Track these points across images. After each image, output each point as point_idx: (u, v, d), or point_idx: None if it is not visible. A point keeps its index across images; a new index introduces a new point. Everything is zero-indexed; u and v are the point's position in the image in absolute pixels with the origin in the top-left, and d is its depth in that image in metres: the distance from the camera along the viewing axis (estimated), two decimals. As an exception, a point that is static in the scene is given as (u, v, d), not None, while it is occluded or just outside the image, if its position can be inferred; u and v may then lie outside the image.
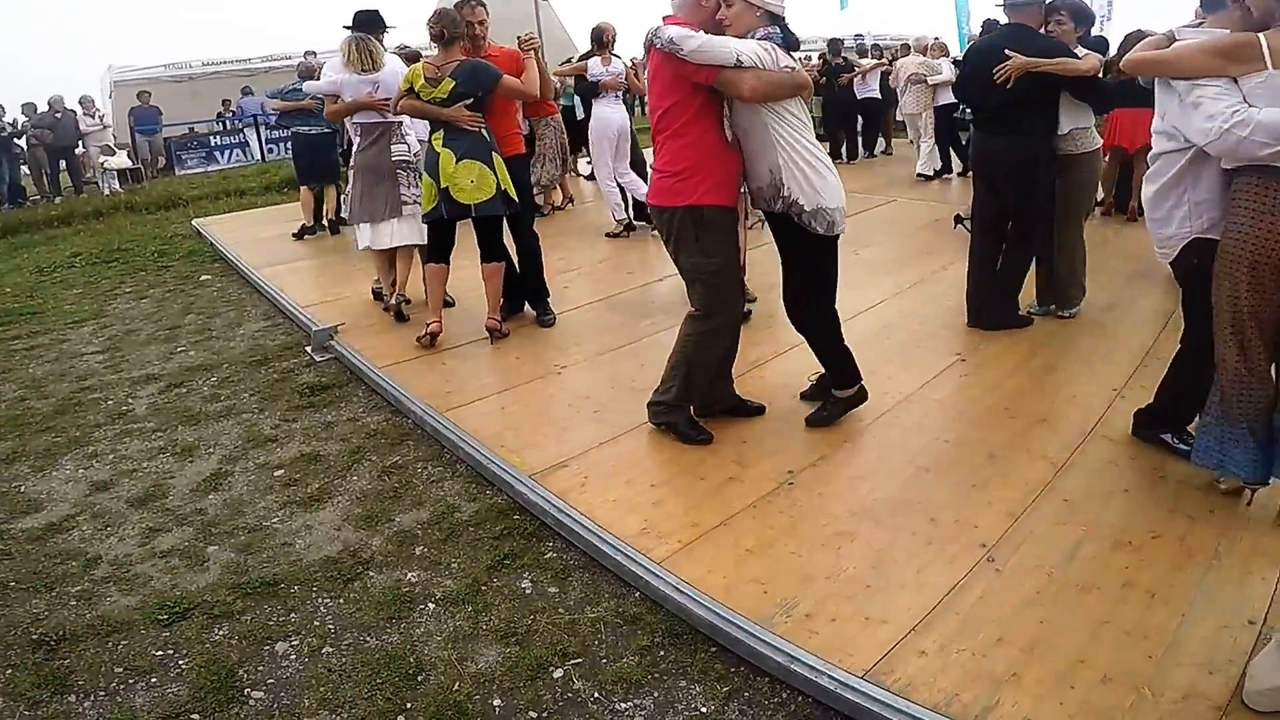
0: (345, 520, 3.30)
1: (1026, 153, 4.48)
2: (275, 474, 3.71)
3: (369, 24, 5.40)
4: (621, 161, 7.67)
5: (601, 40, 7.57)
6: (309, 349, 5.23)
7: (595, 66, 7.51)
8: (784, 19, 3.30)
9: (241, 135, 17.01)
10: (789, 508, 3.07)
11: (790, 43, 3.26)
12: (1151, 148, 3.02)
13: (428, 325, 4.92)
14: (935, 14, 29.15)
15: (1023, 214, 4.64)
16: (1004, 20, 4.71)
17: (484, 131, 4.68)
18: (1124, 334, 4.68)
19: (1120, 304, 5.16)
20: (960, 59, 7.91)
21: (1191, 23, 2.99)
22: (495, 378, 4.48)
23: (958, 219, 7.07)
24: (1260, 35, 2.53)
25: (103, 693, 2.46)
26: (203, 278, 7.54)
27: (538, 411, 4.03)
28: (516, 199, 4.85)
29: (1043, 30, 4.51)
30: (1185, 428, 3.33)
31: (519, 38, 4.94)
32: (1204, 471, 3.12)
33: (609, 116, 7.49)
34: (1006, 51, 4.27)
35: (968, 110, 7.75)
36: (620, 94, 7.65)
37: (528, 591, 2.82)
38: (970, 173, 6.29)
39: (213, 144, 16.83)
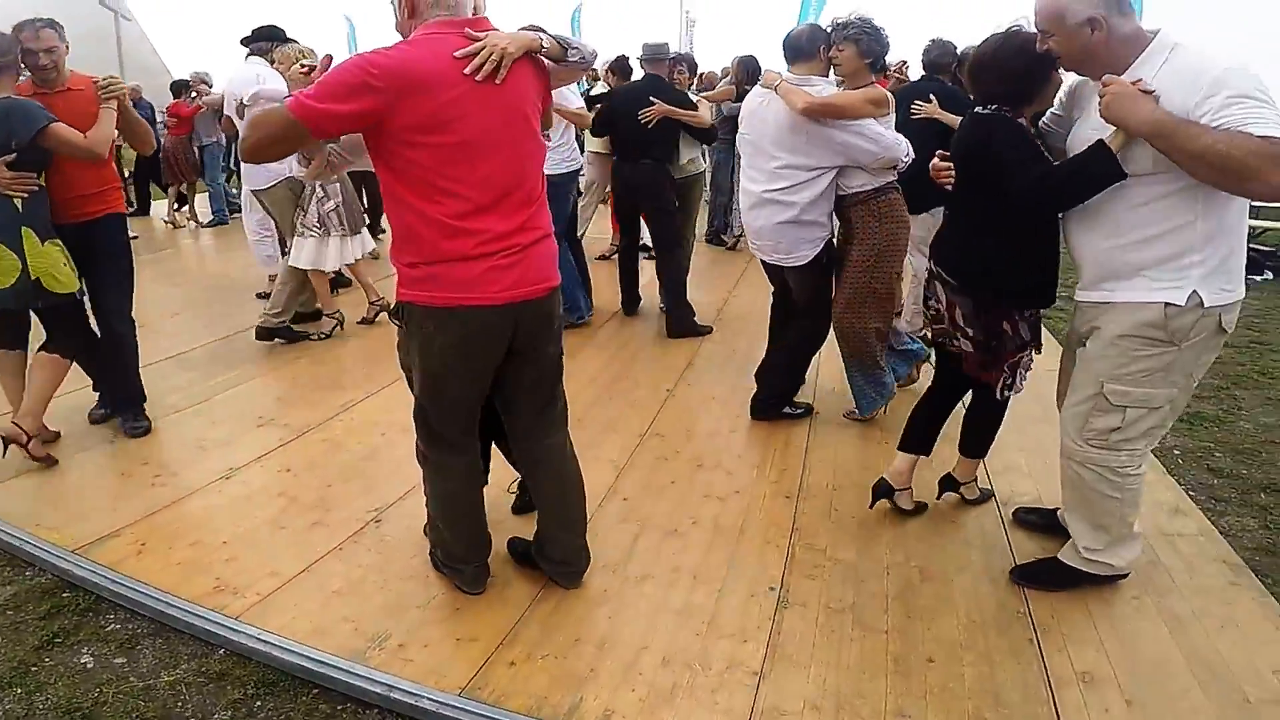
0: None
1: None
2: None
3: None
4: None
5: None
6: None
7: None
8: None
9: None
10: (377, 545, 3.08)
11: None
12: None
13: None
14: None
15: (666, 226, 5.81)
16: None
17: (16, 202, 3.44)
18: (675, 340, 5.45)
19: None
20: None
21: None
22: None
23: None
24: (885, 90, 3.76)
25: None
26: None
27: (84, 484, 3.57)
28: (64, 287, 3.60)
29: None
30: (794, 399, 4.30)
31: (96, 80, 3.73)
32: (730, 456, 3.78)
33: None
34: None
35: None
36: None
37: (89, 666, 2.54)
38: None
39: None
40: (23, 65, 3.58)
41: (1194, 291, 2.35)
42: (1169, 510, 3.37)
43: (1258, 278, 7.87)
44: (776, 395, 4.27)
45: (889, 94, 3.79)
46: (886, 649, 2.55)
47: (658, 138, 5.55)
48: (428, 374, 2.50)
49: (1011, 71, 2.62)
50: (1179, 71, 2.24)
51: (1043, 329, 2.97)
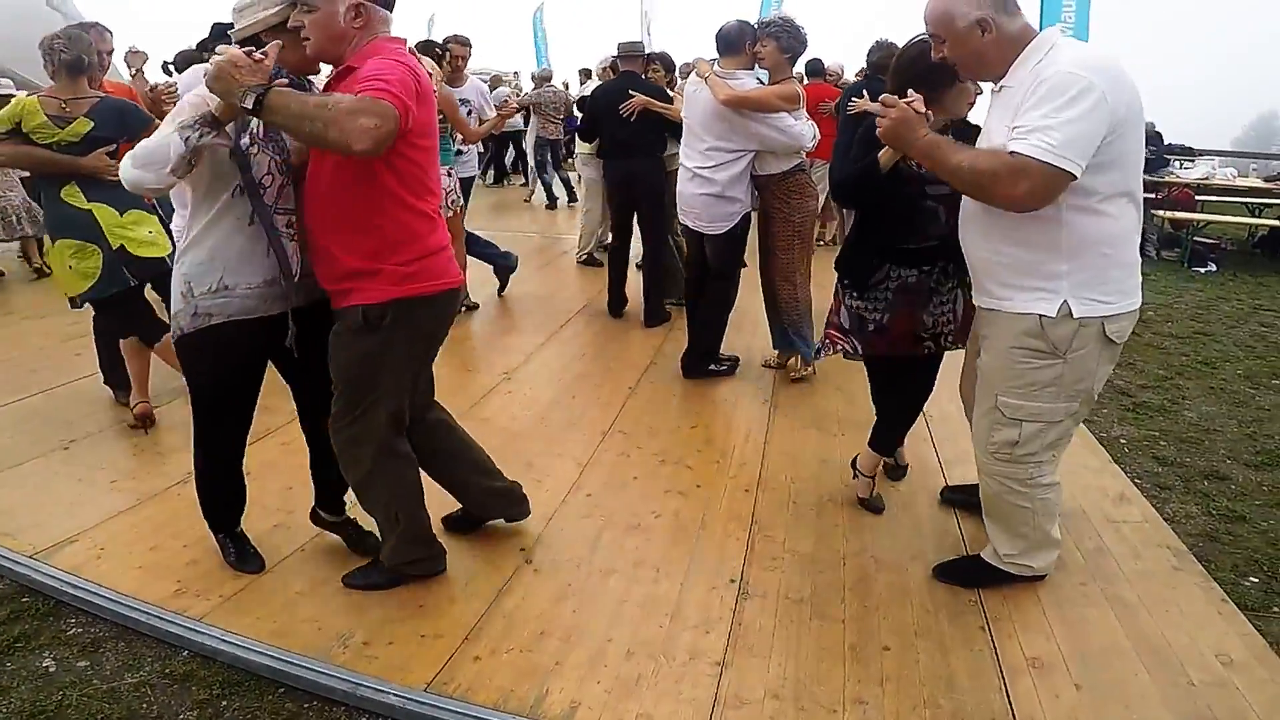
0: None
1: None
2: None
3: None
4: None
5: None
6: None
7: None
8: None
9: None
10: (339, 545, 3.06)
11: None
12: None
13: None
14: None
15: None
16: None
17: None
18: (640, 336, 5.56)
19: (632, 311, 6.07)
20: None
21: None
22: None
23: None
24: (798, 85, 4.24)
25: None
26: None
27: (39, 491, 3.50)
28: None
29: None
30: (719, 356, 4.81)
31: (156, 85, 4.20)
32: (691, 452, 3.82)
33: None
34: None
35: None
36: None
37: (51, 670, 2.52)
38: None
39: None
40: None
41: (1065, 301, 2.34)
42: (1115, 498, 3.48)
43: (1201, 269, 8.07)
44: (699, 354, 4.77)
45: (799, 90, 4.27)
46: (843, 638, 2.61)
47: (643, 130, 5.65)
48: (412, 363, 2.62)
49: (906, 79, 2.68)
50: (1033, 71, 2.25)
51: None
